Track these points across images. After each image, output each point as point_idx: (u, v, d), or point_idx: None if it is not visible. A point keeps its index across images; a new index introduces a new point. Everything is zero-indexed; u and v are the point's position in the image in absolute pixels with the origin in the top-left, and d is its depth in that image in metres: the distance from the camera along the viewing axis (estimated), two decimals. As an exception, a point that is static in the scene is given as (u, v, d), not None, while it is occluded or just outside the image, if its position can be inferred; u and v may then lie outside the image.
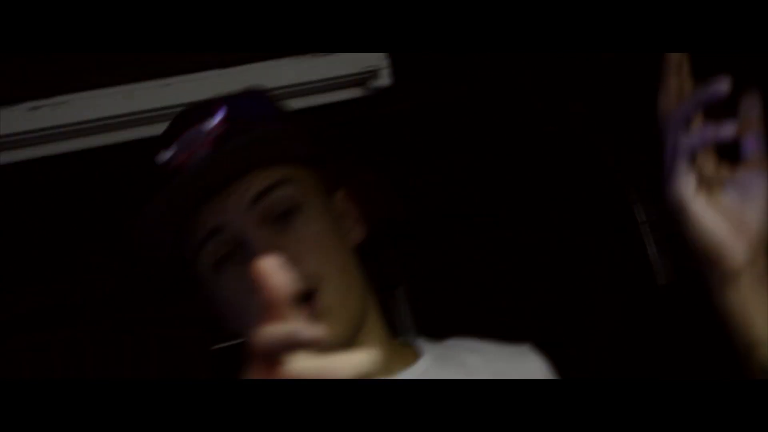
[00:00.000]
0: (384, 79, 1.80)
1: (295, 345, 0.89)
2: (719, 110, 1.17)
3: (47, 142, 1.73)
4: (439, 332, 2.60)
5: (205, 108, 1.20)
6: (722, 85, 1.06)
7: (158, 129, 1.74)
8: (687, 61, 1.10)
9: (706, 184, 1.11)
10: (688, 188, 1.10)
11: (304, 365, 0.91)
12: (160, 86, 1.73)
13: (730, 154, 1.20)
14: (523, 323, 2.72)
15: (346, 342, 1.17)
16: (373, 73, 1.79)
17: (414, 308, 2.88)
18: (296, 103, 1.77)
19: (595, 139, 2.72)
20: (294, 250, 1.16)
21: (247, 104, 1.24)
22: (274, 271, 0.99)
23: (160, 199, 1.17)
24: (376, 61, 1.78)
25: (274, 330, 0.89)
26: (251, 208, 1.17)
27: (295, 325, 0.89)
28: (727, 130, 1.07)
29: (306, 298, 1.14)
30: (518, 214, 2.62)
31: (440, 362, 1.31)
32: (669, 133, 1.09)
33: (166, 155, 1.19)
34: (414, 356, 1.31)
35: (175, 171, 1.18)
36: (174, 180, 1.16)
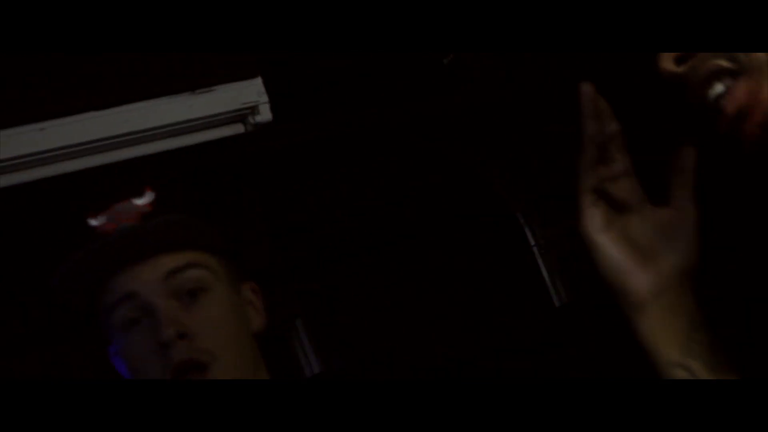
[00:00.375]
0: (264, 115, 1.80)
1: None
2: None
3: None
4: (340, 359, 2.60)
5: (138, 187, 1.39)
6: (613, 125, 1.14)
7: (35, 174, 1.72)
8: (602, 101, 1.14)
9: (619, 216, 1.16)
10: (593, 222, 1.15)
11: None
12: (35, 131, 1.70)
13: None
14: (421, 347, 2.75)
15: None
16: (253, 109, 1.79)
17: (314, 339, 2.93)
18: (176, 143, 1.76)
19: (483, 167, 2.76)
20: (195, 325, 1.31)
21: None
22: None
23: (83, 257, 1.34)
24: (255, 96, 1.78)
25: None
26: (164, 282, 1.33)
27: None
28: (618, 167, 1.15)
29: (198, 369, 1.30)
30: (411, 242, 2.65)
31: None
32: (580, 171, 1.16)
33: (97, 221, 1.37)
34: None
35: (102, 235, 1.35)
36: (98, 243, 1.34)
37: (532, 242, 2.98)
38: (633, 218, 1.16)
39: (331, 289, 2.70)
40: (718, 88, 1.04)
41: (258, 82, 1.78)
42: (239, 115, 1.79)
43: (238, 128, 1.83)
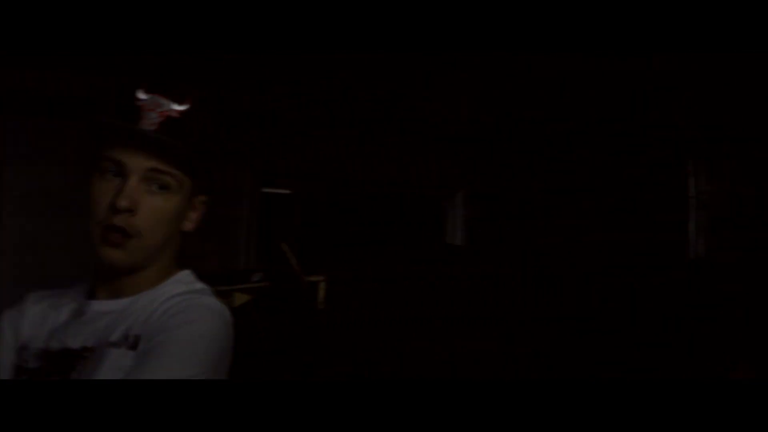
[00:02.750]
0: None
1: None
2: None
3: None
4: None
5: (182, 95, 1.77)
6: None
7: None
8: None
9: None
10: None
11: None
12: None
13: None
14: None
15: (124, 269, 1.71)
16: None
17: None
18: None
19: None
20: (145, 207, 1.71)
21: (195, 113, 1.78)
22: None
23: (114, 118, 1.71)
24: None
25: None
26: (145, 171, 1.71)
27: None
28: None
29: (123, 236, 1.69)
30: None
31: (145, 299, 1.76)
32: None
33: (141, 95, 1.73)
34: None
35: (137, 103, 1.73)
36: (125, 123, 1.71)
37: (691, 193, 3.05)
38: None
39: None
40: None
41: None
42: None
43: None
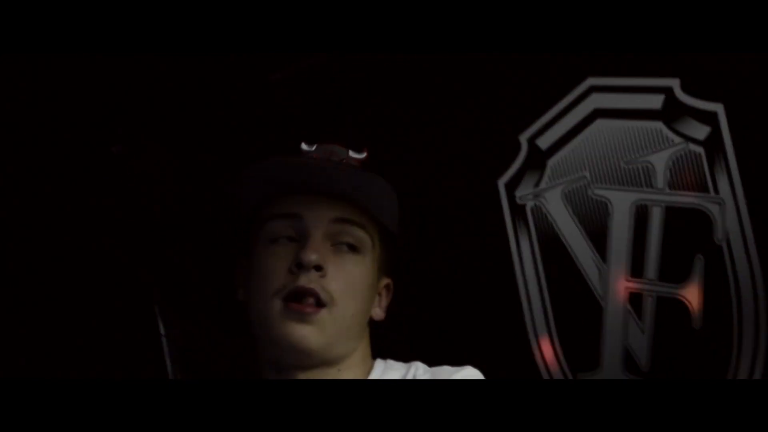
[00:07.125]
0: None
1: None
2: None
3: None
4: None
5: (354, 143, 1.55)
6: None
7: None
8: None
9: None
10: None
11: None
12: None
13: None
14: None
15: (318, 356, 1.44)
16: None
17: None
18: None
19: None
20: (335, 269, 1.44)
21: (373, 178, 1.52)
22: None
23: (279, 165, 1.47)
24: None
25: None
26: (329, 222, 1.46)
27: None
28: None
29: (315, 302, 1.42)
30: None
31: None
32: None
33: (308, 146, 1.52)
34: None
35: (303, 156, 1.50)
36: (299, 162, 1.47)
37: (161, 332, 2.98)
38: None
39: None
40: None
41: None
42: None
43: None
